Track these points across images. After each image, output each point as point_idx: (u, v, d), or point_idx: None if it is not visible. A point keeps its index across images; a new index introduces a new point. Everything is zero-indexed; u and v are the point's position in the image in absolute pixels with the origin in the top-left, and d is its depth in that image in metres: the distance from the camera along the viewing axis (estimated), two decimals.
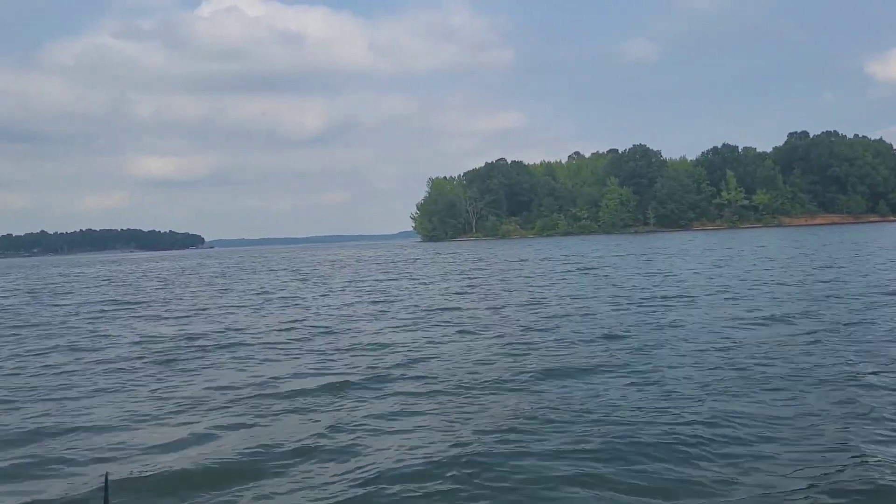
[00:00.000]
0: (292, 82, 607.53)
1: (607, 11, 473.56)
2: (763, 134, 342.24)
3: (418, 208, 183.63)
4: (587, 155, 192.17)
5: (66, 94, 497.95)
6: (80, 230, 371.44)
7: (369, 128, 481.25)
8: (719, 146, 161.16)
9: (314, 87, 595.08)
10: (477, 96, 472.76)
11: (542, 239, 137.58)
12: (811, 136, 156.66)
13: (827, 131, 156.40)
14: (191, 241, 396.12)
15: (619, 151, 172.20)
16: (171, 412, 8.88)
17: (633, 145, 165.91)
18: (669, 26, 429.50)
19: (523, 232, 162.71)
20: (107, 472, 2.46)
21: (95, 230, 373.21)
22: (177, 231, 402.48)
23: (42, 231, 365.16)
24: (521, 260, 50.91)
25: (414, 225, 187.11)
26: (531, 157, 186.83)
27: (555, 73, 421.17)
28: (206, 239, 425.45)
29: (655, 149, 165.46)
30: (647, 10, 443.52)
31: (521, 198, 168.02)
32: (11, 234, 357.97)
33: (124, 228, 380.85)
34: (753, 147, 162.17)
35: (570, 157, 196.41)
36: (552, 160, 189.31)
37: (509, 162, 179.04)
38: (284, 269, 52.62)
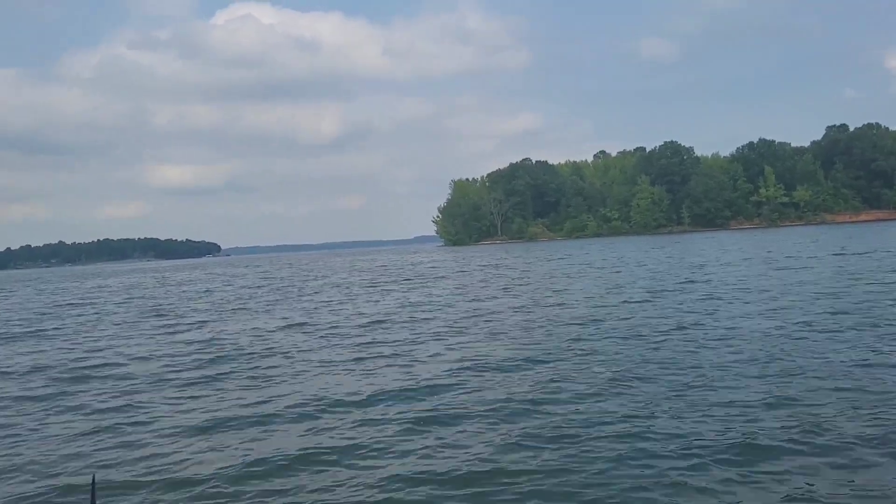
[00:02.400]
0: (308, 88, 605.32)
1: (622, 11, 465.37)
2: (793, 129, 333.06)
3: (440, 212, 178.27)
4: (613, 154, 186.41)
5: (85, 105, 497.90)
6: (98, 240, 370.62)
7: (385, 132, 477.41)
8: (755, 141, 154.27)
9: (329, 93, 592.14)
10: (493, 99, 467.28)
11: (573, 241, 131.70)
12: (851, 130, 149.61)
13: (868, 123, 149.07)
14: (207, 249, 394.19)
15: (648, 150, 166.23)
16: None
17: (664, 142, 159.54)
18: (686, 24, 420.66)
19: (551, 234, 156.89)
20: (94, 474, 2.28)
21: (113, 240, 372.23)
22: (193, 239, 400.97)
23: (60, 241, 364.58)
24: (594, 267, 45.15)
25: (436, 229, 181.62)
26: (552, 159, 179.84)
27: (571, 73, 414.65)
28: (223, 247, 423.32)
29: (686, 145, 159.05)
30: (663, 8, 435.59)
31: (547, 199, 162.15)
32: (30, 245, 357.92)
33: (141, 237, 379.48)
34: (788, 142, 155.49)
35: (595, 156, 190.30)
36: (577, 160, 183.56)
37: (534, 162, 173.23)
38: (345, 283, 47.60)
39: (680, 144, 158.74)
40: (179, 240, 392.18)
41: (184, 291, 42.47)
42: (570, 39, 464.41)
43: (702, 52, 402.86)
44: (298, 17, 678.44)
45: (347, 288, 36.42)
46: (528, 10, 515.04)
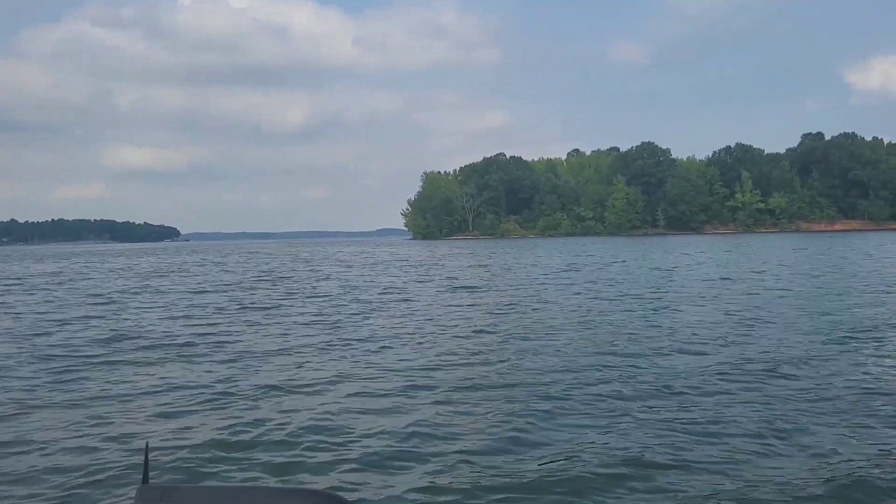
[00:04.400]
0: (277, 76, 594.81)
1: (596, 13, 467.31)
2: (769, 136, 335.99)
3: (410, 205, 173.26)
4: (587, 153, 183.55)
5: (45, 83, 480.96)
6: (52, 220, 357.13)
7: (354, 124, 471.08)
8: (732, 146, 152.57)
9: (299, 82, 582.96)
10: (464, 95, 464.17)
11: (545, 240, 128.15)
12: (827, 138, 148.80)
13: (844, 133, 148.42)
14: (166, 233, 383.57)
15: (623, 150, 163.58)
16: None
17: (641, 142, 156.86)
18: (659, 29, 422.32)
19: (523, 231, 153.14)
20: (147, 442, 2.35)
21: (68, 220, 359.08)
22: (152, 223, 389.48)
23: (12, 220, 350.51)
24: (570, 266, 41.23)
25: (405, 221, 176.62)
26: (523, 156, 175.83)
27: (542, 73, 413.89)
28: (182, 231, 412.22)
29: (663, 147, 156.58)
30: (636, 13, 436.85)
31: (521, 195, 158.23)
32: None
33: (98, 219, 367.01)
34: (761, 149, 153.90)
35: (569, 154, 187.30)
36: (551, 157, 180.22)
37: (508, 157, 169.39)
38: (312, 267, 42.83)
39: (657, 146, 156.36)
40: (137, 223, 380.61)
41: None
42: (542, 39, 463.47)
43: (674, 57, 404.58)
44: (269, 2, 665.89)
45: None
46: (503, 8, 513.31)
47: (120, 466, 6.50)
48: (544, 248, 74.65)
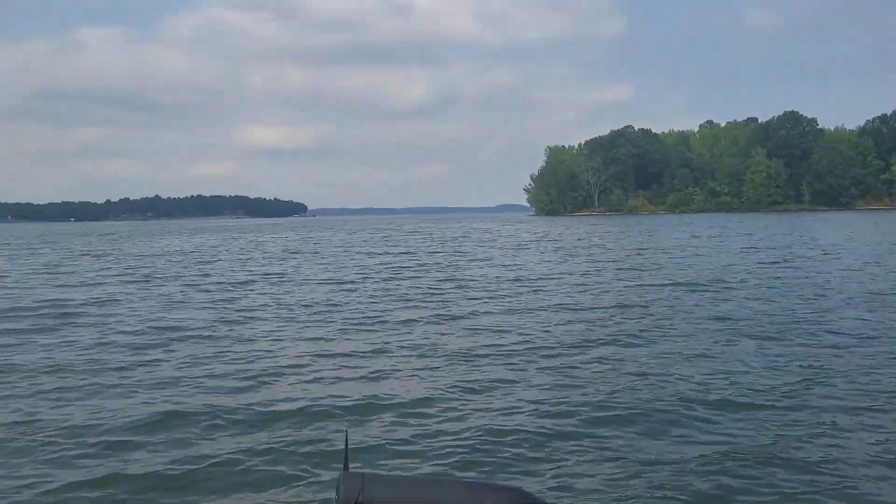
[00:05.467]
0: (398, 53, 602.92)
1: None
2: None
3: (533, 180, 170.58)
4: (722, 124, 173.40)
5: (183, 66, 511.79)
6: (191, 196, 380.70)
7: (472, 100, 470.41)
8: (889, 113, 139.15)
9: (419, 59, 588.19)
10: (585, 68, 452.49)
11: (678, 216, 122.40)
12: None
13: None
14: (294, 209, 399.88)
15: (762, 121, 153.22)
16: None
17: (784, 112, 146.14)
18: None
19: (653, 207, 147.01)
20: (346, 431, 2.45)
21: (206, 196, 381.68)
22: (281, 199, 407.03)
23: (156, 196, 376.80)
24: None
25: (527, 197, 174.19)
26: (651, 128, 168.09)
27: (669, 43, 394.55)
28: (309, 207, 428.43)
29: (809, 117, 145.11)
30: None
31: (650, 169, 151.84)
32: (128, 198, 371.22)
33: (232, 195, 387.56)
34: None
35: (701, 125, 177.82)
36: (684, 129, 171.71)
37: (636, 130, 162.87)
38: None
39: (801, 115, 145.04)
40: (268, 199, 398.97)
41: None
42: (669, 7, 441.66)
43: (812, 23, 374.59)
44: None
45: None
46: None
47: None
48: (697, 226, 70.29)
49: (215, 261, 32.71)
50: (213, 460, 6.39)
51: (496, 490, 1.36)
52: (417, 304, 16.14)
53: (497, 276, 22.52)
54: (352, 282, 21.42)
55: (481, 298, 16.97)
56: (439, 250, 38.30)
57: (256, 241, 55.31)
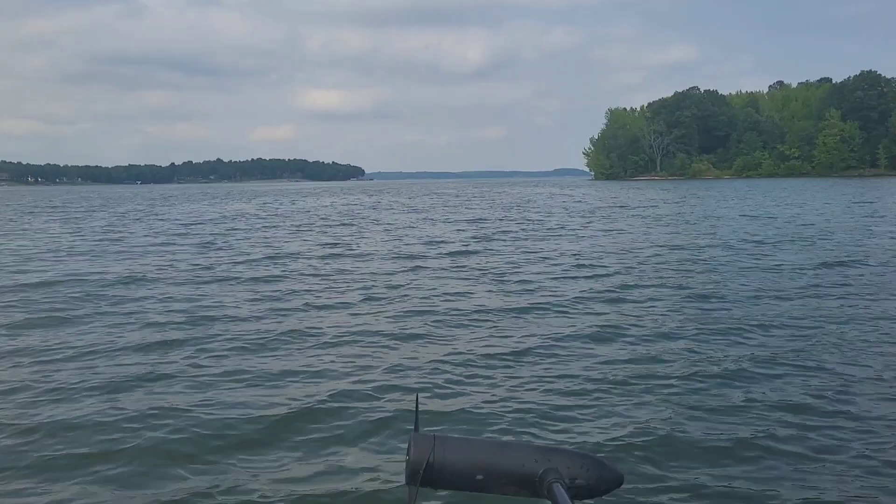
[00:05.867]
0: (457, 14, 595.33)
1: None
2: None
3: (592, 143, 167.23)
4: (793, 85, 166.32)
5: (243, 29, 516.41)
6: (252, 159, 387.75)
7: (530, 62, 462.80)
8: None
9: (477, 19, 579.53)
10: (645, 28, 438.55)
11: (745, 181, 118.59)
12: None
13: None
14: (352, 172, 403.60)
15: (837, 81, 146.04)
16: None
17: (861, 71, 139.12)
18: None
19: (718, 172, 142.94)
20: (417, 394, 2.72)
21: (265, 160, 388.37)
22: (339, 162, 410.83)
23: (218, 159, 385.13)
24: None
25: (586, 161, 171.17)
26: (717, 90, 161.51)
27: (735, 1, 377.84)
28: (366, 171, 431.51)
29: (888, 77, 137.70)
30: None
31: (715, 132, 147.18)
32: (191, 162, 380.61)
33: (291, 159, 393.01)
34: None
35: (771, 87, 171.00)
36: (752, 91, 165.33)
37: (702, 91, 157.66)
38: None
39: (879, 75, 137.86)
40: (326, 162, 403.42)
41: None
42: None
43: None
44: None
45: None
46: None
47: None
48: (787, 191, 66.89)
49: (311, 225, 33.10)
50: (283, 420, 6.51)
51: (567, 455, 1.35)
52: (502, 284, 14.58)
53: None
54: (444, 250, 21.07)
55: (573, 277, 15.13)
56: (514, 217, 36.04)
57: (344, 204, 55.82)
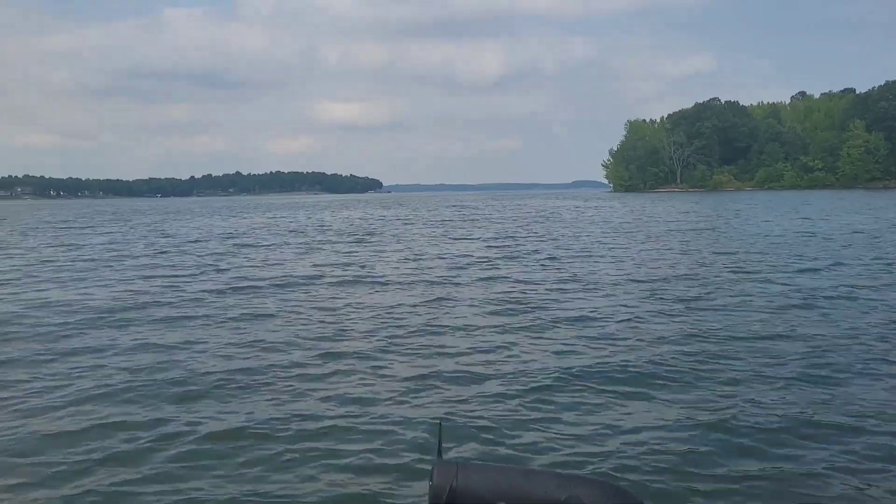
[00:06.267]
0: (474, 27, 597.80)
1: None
2: None
3: (612, 155, 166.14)
4: (816, 95, 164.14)
5: (262, 43, 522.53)
6: (270, 172, 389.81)
7: (547, 73, 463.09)
8: None
9: (495, 32, 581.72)
10: (664, 38, 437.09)
11: (767, 193, 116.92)
12: None
13: None
14: (370, 185, 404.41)
15: (861, 91, 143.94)
16: None
17: (886, 82, 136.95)
18: None
19: (739, 184, 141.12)
20: (440, 422, 2.66)
21: (284, 172, 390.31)
22: (357, 175, 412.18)
23: (237, 172, 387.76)
24: None
25: (605, 173, 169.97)
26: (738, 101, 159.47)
27: (755, 10, 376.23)
28: (384, 183, 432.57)
29: None
30: None
31: (736, 144, 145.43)
32: (211, 175, 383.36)
33: (309, 171, 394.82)
34: None
35: (793, 97, 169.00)
36: (773, 101, 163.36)
37: (722, 102, 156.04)
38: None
39: None
40: (344, 175, 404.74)
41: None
42: None
43: None
44: None
45: None
46: None
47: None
48: (823, 203, 65.55)
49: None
50: (304, 444, 6.39)
51: (587, 483, 1.36)
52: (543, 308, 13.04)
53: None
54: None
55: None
56: (544, 233, 33.70)
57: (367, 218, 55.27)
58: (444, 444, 1.38)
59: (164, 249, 27.64)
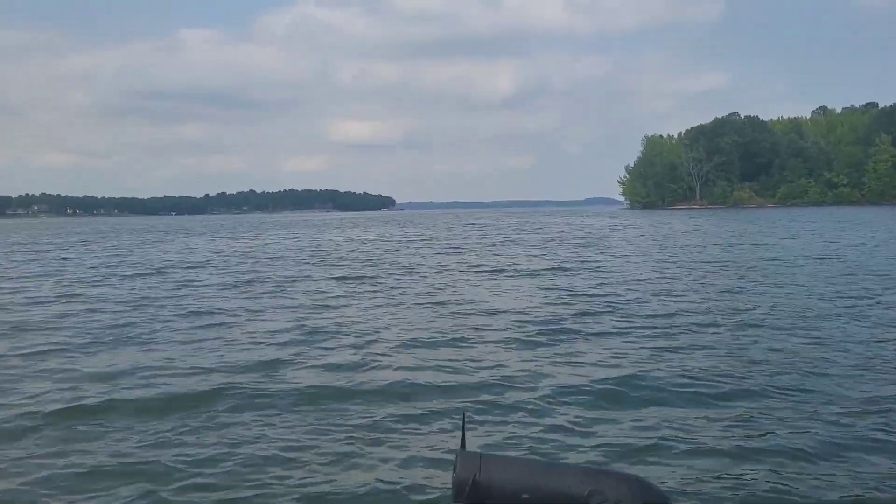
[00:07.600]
0: (487, 45, 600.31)
1: None
2: None
3: (628, 171, 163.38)
4: (837, 110, 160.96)
5: (276, 64, 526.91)
6: (284, 190, 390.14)
7: (561, 90, 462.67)
8: None
9: (507, 50, 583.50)
10: (678, 55, 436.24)
11: (790, 210, 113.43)
12: None
13: None
14: (383, 202, 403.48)
15: (884, 105, 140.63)
16: None
17: None
18: None
19: (760, 200, 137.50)
20: (464, 412, 2.80)
21: (297, 190, 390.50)
22: (370, 193, 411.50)
23: (251, 190, 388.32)
24: None
25: (622, 190, 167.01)
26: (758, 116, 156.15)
27: (771, 26, 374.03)
28: (398, 201, 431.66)
29: None
30: None
31: (757, 160, 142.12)
32: (225, 193, 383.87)
33: (322, 189, 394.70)
34: None
35: (814, 112, 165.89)
36: (795, 115, 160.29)
37: (742, 117, 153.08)
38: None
39: None
40: (357, 192, 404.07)
41: None
42: None
43: None
44: None
45: None
46: None
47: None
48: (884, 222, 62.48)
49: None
50: (327, 437, 6.45)
51: (612, 477, 1.31)
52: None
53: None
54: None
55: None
56: (597, 261, 26.16)
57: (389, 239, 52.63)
58: (466, 434, 1.36)
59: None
